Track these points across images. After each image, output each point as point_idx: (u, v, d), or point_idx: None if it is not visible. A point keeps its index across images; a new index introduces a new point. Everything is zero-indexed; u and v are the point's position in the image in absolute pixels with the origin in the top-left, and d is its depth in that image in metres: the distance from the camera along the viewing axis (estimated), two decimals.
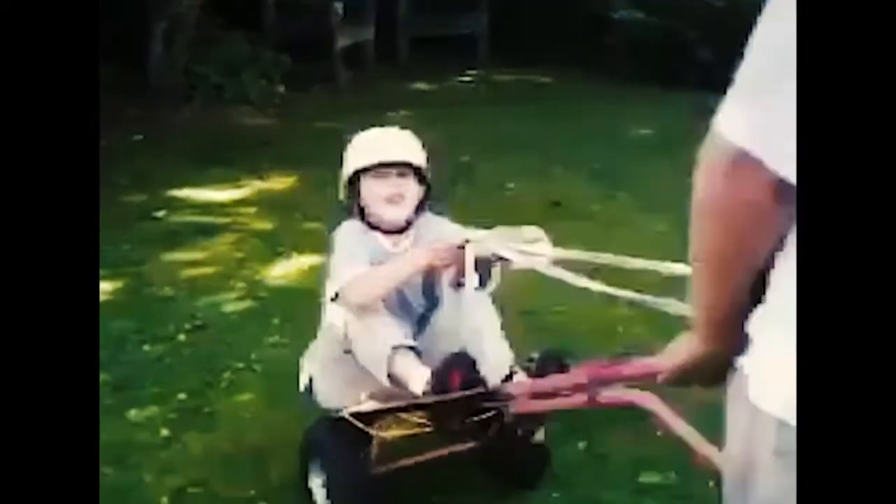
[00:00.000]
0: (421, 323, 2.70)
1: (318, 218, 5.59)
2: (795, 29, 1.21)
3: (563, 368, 2.52)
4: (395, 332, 2.53)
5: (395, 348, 2.48)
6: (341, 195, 2.77)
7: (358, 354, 2.54)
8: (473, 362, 2.45)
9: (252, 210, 5.84)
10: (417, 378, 2.46)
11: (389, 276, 2.57)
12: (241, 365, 3.67)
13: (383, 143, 2.73)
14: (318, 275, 4.67)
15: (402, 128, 2.81)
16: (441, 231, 2.74)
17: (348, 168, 2.71)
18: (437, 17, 10.94)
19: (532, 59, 10.29)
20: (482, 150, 7.04)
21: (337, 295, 2.55)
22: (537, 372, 2.55)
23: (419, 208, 2.76)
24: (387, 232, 2.72)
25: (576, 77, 9.95)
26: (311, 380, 2.77)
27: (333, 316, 2.62)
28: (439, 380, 2.41)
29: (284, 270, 4.74)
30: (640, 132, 7.94)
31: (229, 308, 4.27)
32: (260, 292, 4.46)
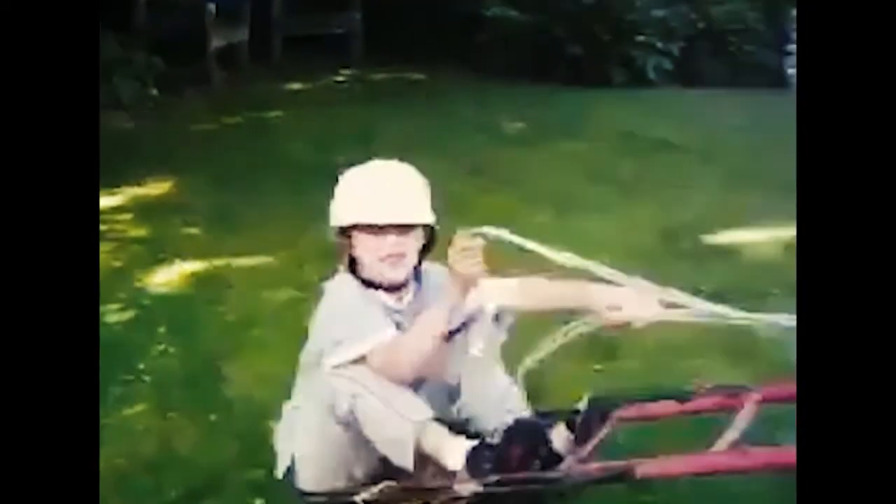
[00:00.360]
0: (417, 385, 2.35)
1: (198, 223, 5.56)
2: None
3: (604, 418, 2.29)
4: (417, 404, 2.23)
5: (422, 422, 2.20)
6: (330, 236, 2.43)
7: (373, 432, 2.22)
8: (538, 431, 2.20)
9: (129, 217, 5.76)
10: (454, 451, 2.18)
11: (425, 337, 2.24)
12: (129, 377, 3.64)
13: (382, 196, 2.32)
14: (201, 280, 4.69)
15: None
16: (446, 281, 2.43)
17: (338, 217, 2.36)
18: (311, 16, 10.91)
19: (406, 57, 10.38)
20: (359, 148, 7.08)
21: (342, 364, 2.25)
22: (581, 427, 2.27)
23: (421, 256, 2.45)
24: (386, 288, 2.40)
25: (450, 74, 10.09)
26: (292, 461, 2.44)
27: (335, 389, 2.24)
28: (500, 455, 2.13)
29: (167, 277, 4.69)
30: (514, 125, 8.12)
31: (112, 318, 4.21)
32: (143, 300, 4.41)
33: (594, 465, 2.13)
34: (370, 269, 2.37)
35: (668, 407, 2.37)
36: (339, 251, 2.43)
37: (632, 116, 8.32)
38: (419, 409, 2.22)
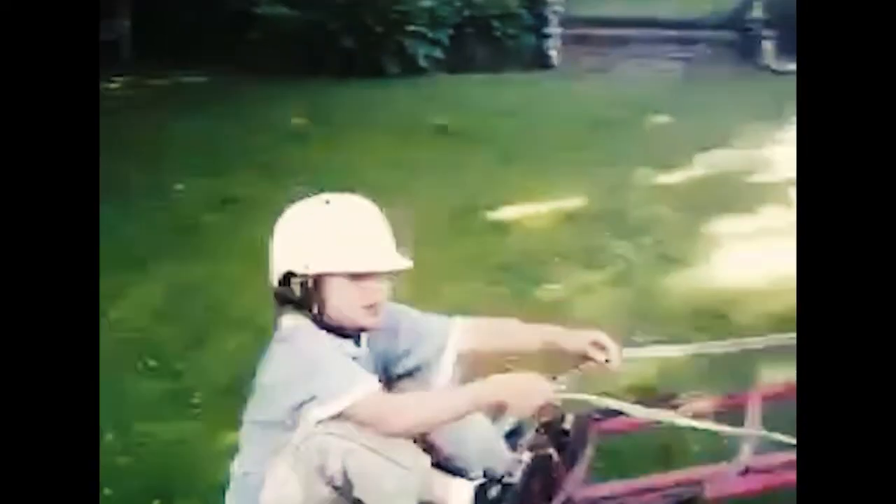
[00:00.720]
0: None
1: None
2: None
3: (587, 432, 2.32)
4: (414, 451, 2.14)
5: (425, 470, 2.14)
6: (275, 280, 2.24)
7: (369, 488, 2.08)
8: (552, 463, 2.19)
9: None
10: (460, 493, 2.17)
11: (448, 409, 2.15)
12: None
13: (365, 241, 2.20)
14: None
15: None
16: (405, 322, 2.37)
17: (311, 262, 2.17)
18: None
19: (183, 60, 10.24)
20: (145, 155, 7.03)
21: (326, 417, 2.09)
22: (573, 444, 2.30)
23: None
24: (345, 334, 2.26)
25: (228, 74, 10.04)
26: None
27: (323, 448, 2.07)
28: (523, 492, 2.13)
29: None
30: (295, 121, 8.22)
31: None
32: None
33: (656, 486, 2.13)
34: (345, 315, 2.21)
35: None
36: (287, 297, 2.23)
37: (408, 104, 8.59)
38: (418, 456, 2.14)
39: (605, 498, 2.17)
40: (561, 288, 4.62)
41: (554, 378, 2.21)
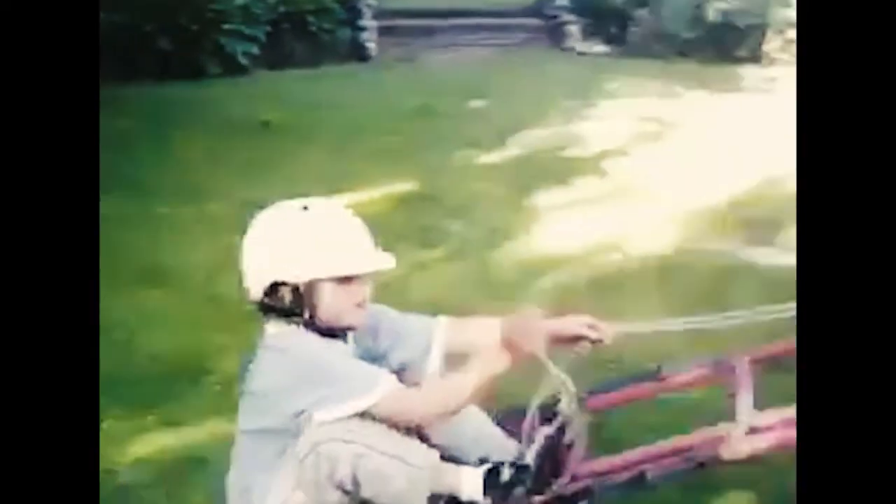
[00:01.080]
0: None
1: None
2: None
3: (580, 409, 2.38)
4: (423, 449, 2.21)
5: (435, 466, 2.20)
6: (258, 294, 2.25)
7: (379, 489, 2.12)
8: (560, 444, 2.29)
9: None
10: (471, 481, 2.24)
11: (465, 389, 2.23)
12: None
13: (356, 243, 2.28)
14: None
15: None
16: (385, 322, 2.42)
17: (302, 270, 2.20)
18: None
19: None
20: None
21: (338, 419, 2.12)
22: (569, 423, 2.37)
23: None
24: (332, 334, 2.30)
25: None
26: None
27: (332, 455, 2.09)
28: (538, 474, 2.22)
29: None
30: (120, 124, 8.09)
31: None
32: None
33: (661, 453, 2.24)
34: (337, 315, 2.25)
35: (643, 389, 2.48)
36: (274, 306, 2.25)
37: (229, 103, 8.54)
38: (427, 454, 2.20)
39: (607, 472, 2.28)
40: (397, 268, 4.83)
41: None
